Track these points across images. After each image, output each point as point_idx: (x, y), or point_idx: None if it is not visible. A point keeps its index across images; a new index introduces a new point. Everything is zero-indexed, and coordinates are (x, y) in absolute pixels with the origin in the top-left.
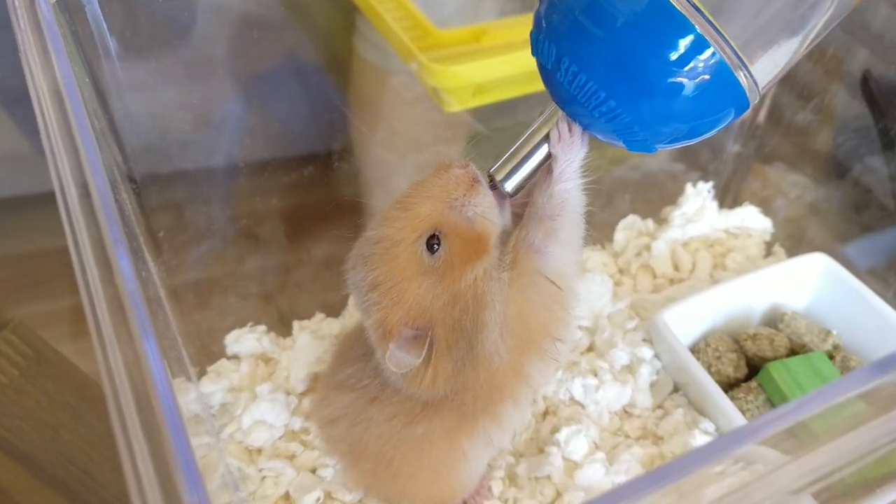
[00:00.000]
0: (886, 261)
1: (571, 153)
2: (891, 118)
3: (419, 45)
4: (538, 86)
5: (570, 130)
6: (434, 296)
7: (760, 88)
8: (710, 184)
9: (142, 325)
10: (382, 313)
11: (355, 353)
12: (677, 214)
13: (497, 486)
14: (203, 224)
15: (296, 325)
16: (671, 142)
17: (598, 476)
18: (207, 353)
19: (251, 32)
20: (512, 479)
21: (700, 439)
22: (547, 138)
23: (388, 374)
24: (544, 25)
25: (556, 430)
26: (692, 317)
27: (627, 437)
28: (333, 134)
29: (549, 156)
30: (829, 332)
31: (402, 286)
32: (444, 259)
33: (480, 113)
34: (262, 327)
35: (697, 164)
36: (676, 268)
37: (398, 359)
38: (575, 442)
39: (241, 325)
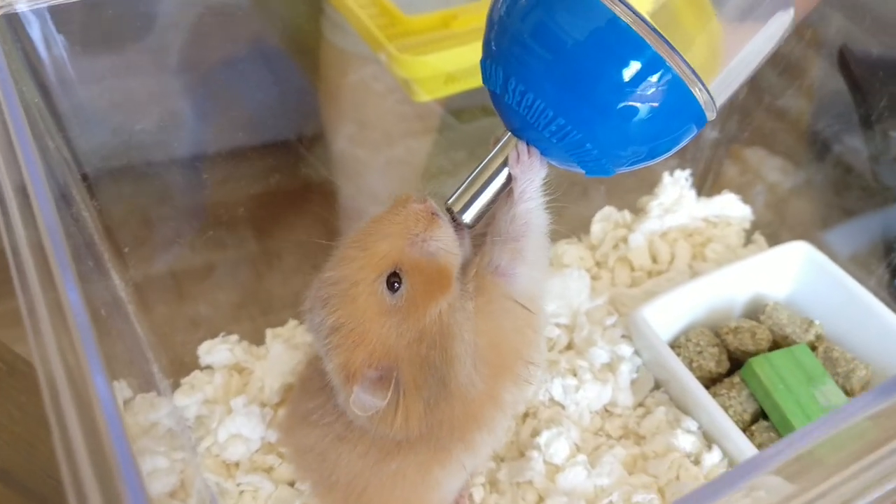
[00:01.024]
0: (868, 246)
1: (531, 173)
2: (869, 94)
3: (387, 33)
4: None
5: (528, 152)
6: (398, 335)
7: (717, 104)
8: (688, 171)
9: (90, 354)
10: (344, 356)
11: (315, 385)
12: (655, 204)
13: (478, 493)
14: (170, 230)
15: (269, 333)
16: (631, 164)
17: (581, 479)
18: (181, 364)
19: (214, 19)
20: (493, 484)
21: (682, 439)
22: (504, 165)
23: (353, 417)
24: (492, 49)
25: (536, 432)
26: (672, 311)
27: (609, 437)
28: (302, 120)
29: (507, 183)
30: (811, 322)
31: (364, 328)
32: (406, 297)
33: (450, 102)
34: (235, 337)
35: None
36: (655, 260)
37: (362, 402)
38: (556, 445)
39: (214, 334)
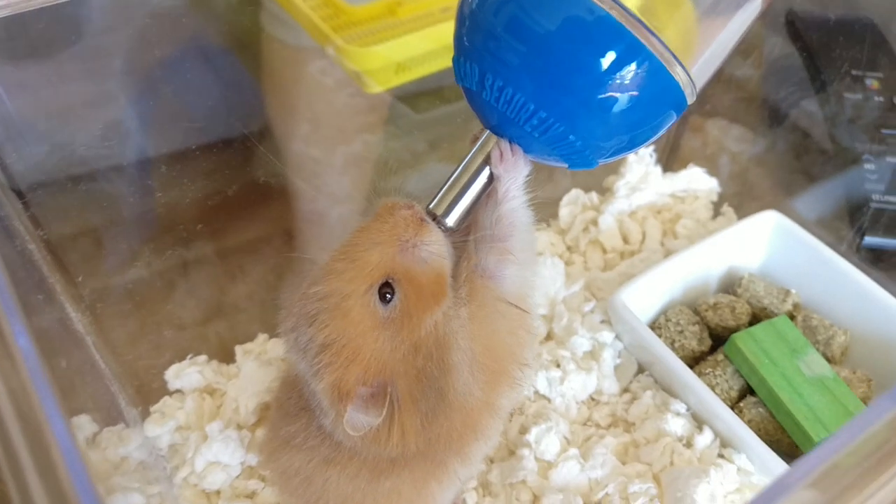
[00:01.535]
0: (833, 209)
1: (515, 171)
2: (820, 57)
3: (332, 24)
4: None
5: (511, 149)
6: (392, 348)
7: (697, 87)
8: (652, 148)
9: (43, 397)
10: (336, 375)
11: (294, 406)
12: (621, 184)
13: (471, 498)
14: (123, 250)
15: (238, 350)
16: (613, 153)
17: (574, 473)
18: (148, 391)
19: (150, 20)
20: (486, 487)
21: (672, 423)
22: (485, 164)
23: (343, 438)
24: (465, 45)
25: (525, 429)
26: (649, 293)
27: (598, 426)
28: (248, 116)
29: (489, 183)
30: (787, 292)
31: (357, 343)
32: (399, 308)
33: (403, 92)
34: (203, 357)
35: None
36: (626, 240)
37: (356, 421)
38: (546, 441)
39: (181, 357)
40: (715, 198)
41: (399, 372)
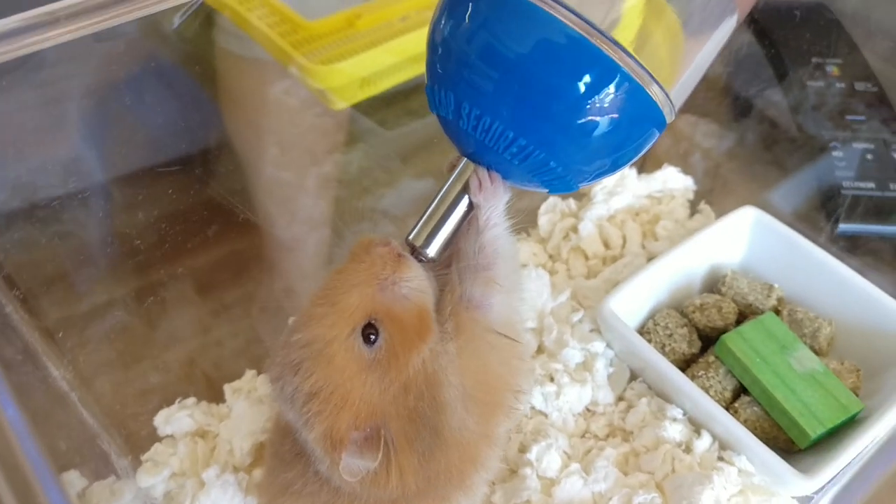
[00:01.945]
0: (807, 200)
1: (495, 199)
2: (780, 45)
3: (290, 41)
4: (421, 69)
5: (489, 177)
6: (381, 390)
7: (676, 106)
8: None
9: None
10: (327, 424)
11: (289, 452)
12: (598, 189)
13: None
14: (99, 296)
15: (227, 389)
16: (596, 176)
17: (577, 488)
18: (138, 439)
19: (100, 45)
20: None
21: (670, 429)
22: (464, 192)
23: (341, 483)
24: (439, 73)
25: (524, 447)
26: (636, 298)
27: (596, 437)
28: (206, 133)
29: (469, 211)
30: (771, 287)
31: (345, 388)
32: (385, 348)
33: (372, 110)
34: (192, 399)
35: None
36: (607, 245)
37: (352, 467)
38: (547, 458)
39: (169, 401)
40: (691, 196)
41: (391, 413)
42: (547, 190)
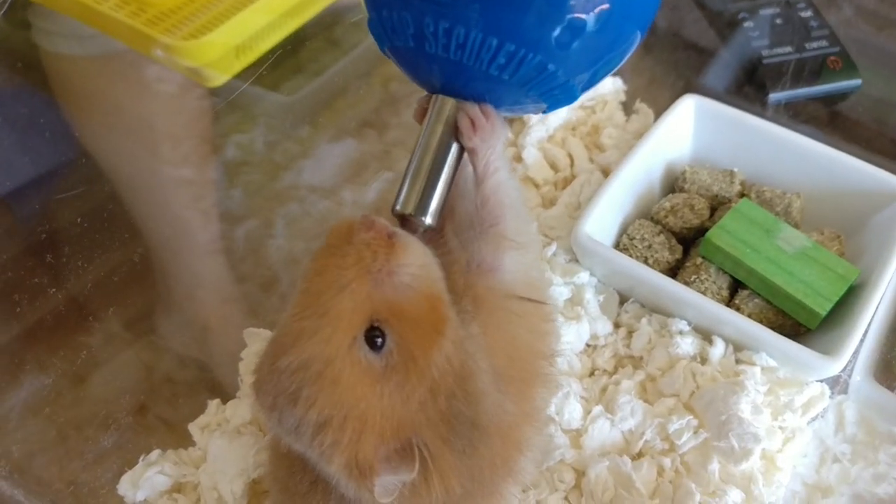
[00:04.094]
0: (734, 76)
1: (493, 138)
2: None
3: (142, 20)
4: (299, 20)
5: (482, 112)
6: (404, 399)
7: None
8: None
9: None
10: (349, 454)
11: (303, 484)
12: None
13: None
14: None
15: (192, 428)
16: (589, 84)
17: (606, 432)
18: None
19: None
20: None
21: (682, 344)
22: (449, 137)
23: None
24: None
25: None
26: (605, 217)
27: (607, 372)
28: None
29: (459, 157)
30: (731, 172)
31: (361, 409)
32: (397, 350)
33: (262, 78)
34: (156, 452)
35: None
36: (555, 168)
37: (389, 486)
38: (567, 409)
39: (129, 462)
40: (623, 97)
41: (420, 421)
42: (546, 106)
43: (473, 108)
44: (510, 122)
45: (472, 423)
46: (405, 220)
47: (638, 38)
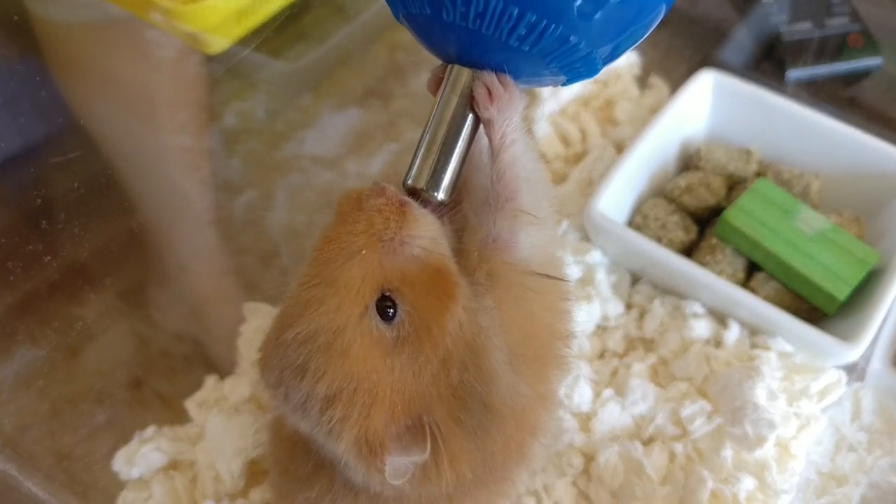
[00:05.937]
0: (753, 52)
1: (510, 109)
2: None
3: None
4: None
5: (500, 82)
6: (416, 372)
7: None
8: None
9: None
10: (358, 429)
11: (304, 467)
12: None
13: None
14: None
15: (189, 405)
16: (611, 56)
17: (616, 416)
18: (98, 492)
19: None
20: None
21: (696, 327)
22: (464, 108)
23: (382, 490)
24: None
25: None
26: (619, 195)
27: (617, 354)
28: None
29: (475, 129)
30: (749, 151)
31: (372, 382)
32: (409, 321)
33: (262, 43)
34: (151, 428)
35: None
36: (566, 142)
37: (400, 467)
38: (577, 392)
39: (125, 437)
40: (637, 71)
41: (432, 396)
42: (565, 78)
43: (491, 77)
44: (529, 99)
45: (483, 403)
46: (416, 195)
47: (663, 10)
